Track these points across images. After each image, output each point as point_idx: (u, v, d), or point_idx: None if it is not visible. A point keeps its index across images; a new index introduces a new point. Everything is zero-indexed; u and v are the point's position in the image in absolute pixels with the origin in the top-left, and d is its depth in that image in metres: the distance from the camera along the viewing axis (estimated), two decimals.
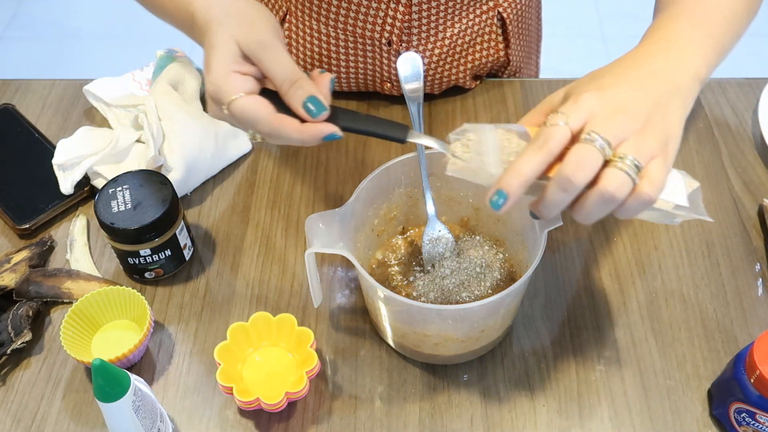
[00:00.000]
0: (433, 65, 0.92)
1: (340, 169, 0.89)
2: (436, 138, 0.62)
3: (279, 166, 0.90)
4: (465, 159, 0.58)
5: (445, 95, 0.97)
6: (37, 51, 2.43)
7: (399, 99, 0.95)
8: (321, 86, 0.61)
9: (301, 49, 0.93)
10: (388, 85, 0.94)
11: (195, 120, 0.85)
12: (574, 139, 0.55)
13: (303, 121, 0.60)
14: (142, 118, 0.85)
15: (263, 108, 0.60)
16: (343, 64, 0.92)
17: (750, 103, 0.95)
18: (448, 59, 0.92)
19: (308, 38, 0.91)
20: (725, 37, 0.65)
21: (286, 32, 0.93)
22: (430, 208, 0.75)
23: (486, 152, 0.58)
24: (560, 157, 0.54)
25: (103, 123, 0.93)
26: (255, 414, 0.70)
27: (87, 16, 2.54)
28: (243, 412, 0.70)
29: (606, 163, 0.54)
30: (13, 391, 0.72)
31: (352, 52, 0.91)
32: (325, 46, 0.91)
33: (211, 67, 0.60)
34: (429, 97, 0.96)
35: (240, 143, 0.90)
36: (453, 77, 0.95)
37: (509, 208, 0.55)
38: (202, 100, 0.93)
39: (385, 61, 0.91)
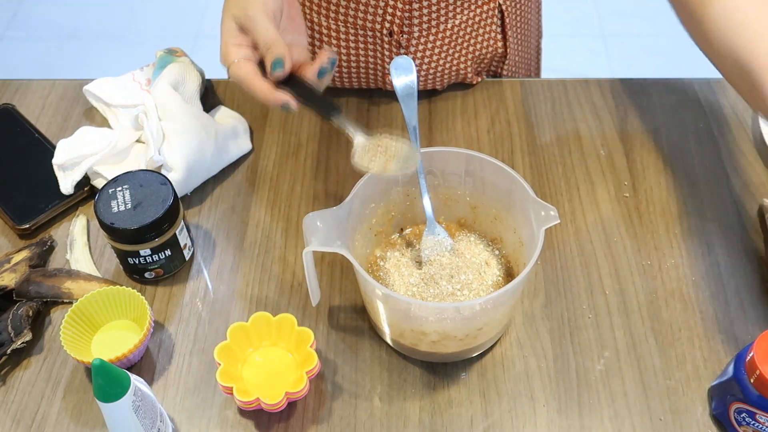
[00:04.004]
0: (435, 57, 0.92)
1: (340, 169, 0.89)
2: (358, 128, 0.70)
3: (279, 166, 0.90)
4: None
5: (445, 95, 0.97)
6: (37, 51, 2.43)
7: None
8: (319, 58, 0.71)
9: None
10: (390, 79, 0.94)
11: (195, 120, 0.85)
12: None
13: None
14: (142, 118, 0.85)
15: (249, 71, 0.70)
16: (344, 57, 0.92)
17: None
18: (450, 51, 0.92)
19: (308, 32, 0.91)
20: None
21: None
22: (429, 211, 0.75)
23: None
24: None
25: (103, 123, 0.93)
26: (255, 414, 0.70)
27: (87, 16, 2.54)
28: (243, 412, 0.70)
29: None
30: (13, 391, 0.72)
31: (353, 45, 0.91)
32: (326, 39, 0.91)
33: (220, 42, 0.72)
34: (431, 94, 0.96)
35: (240, 143, 0.90)
36: (455, 69, 0.95)
37: None
38: (203, 100, 0.93)
39: (386, 53, 0.91)
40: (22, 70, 2.33)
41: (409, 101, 0.73)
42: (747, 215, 0.84)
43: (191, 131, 0.84)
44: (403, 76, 0.74)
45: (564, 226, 0.83)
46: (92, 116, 0.95)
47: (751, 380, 0.62)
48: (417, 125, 0.73)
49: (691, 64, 2.40)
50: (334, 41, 0.91)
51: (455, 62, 0.94)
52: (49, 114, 0.96)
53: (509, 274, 0.76)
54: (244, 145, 0.91)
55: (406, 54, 0.91)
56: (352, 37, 0.90)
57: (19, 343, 0.72)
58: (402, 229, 0.80)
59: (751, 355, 0.62)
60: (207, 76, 0.96)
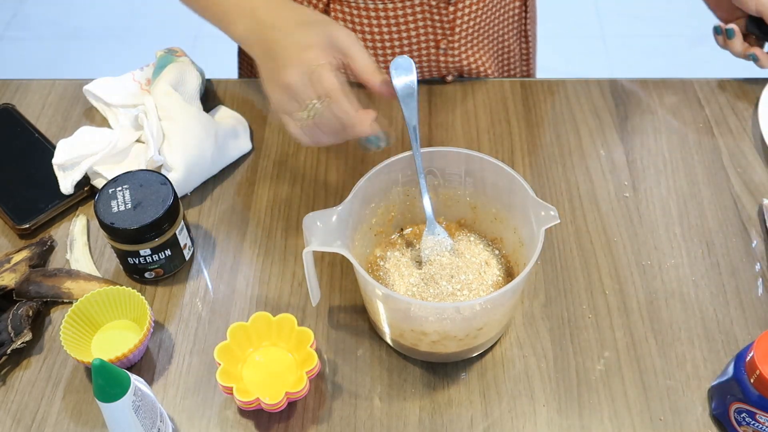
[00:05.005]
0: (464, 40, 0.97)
1: (340, 169, 0.89)
2: None
3: (279, 166, 0.90)
4: None
5: (445, 94, 0.97)
6: (37, 51, 2.43)
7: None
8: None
9: (357, 22, 0.94)
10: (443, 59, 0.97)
11: (195, 120, 0.85)
12: None
13: None
14: (142, 118, 0.86)
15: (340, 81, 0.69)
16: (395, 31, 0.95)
17: (750, 103, 0.95)
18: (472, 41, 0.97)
19: (354, 11, 0.93)
20: None
21: (332, 14, 0.94)
22: (429, 211, 0.75)
23: None
24: None
25: (103, 123, 0.93)
26: (255, 414, 0.70)
27: (87, 16, 2.54)
28: (243, 412, 0.70)
29: None
30: (13, 391, 0.72)
31: (400, 11, 0.93)
32: (373, 13, 0.93)
33: (303, 55, 0.69)
34: (431, 93, 0.96)
35: (240, 143, 0.90)
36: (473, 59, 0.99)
37: None
38: (202, 100, 0.93)
39: (437, 17, 0.93)
40: (22, 70, 2.33)
41: (409, 101, 0.73)
42: (747, 215, 0.84)
43: (191, 131, 0.84)
44: (403, 76, 0.73)
45: (564, 226, 0.83)
46: (92, 116, 0.95)
47: (751, 380, 0.62)
48: (417, 125, 0.73)
49: (691, 64, 2.40)
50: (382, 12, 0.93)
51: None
52: (49, 114, 0.96)
53: (509, 274, 0.76)
54: (244, 145, 0.91)
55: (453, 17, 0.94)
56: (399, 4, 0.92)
57: (19, 343, 0.72)
58: (402, 229, 0.80)
59: (751, 355, 0.62)
60: (207, 76, 0.96)
